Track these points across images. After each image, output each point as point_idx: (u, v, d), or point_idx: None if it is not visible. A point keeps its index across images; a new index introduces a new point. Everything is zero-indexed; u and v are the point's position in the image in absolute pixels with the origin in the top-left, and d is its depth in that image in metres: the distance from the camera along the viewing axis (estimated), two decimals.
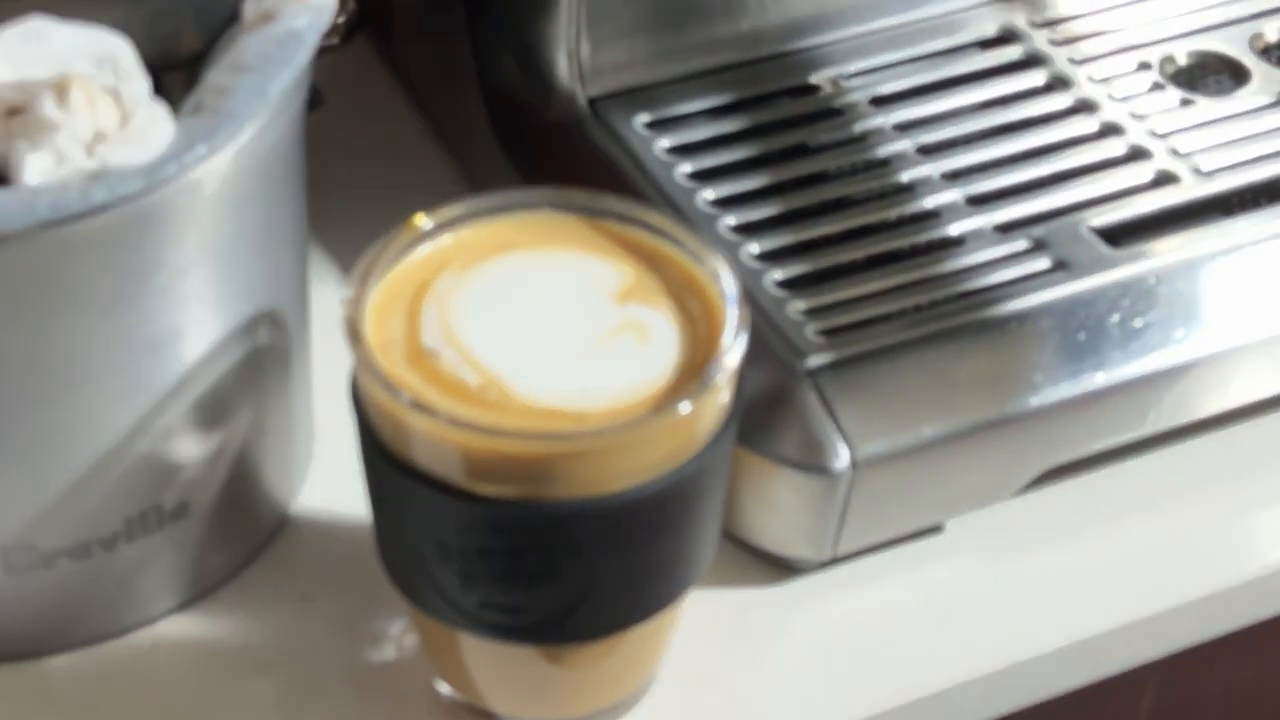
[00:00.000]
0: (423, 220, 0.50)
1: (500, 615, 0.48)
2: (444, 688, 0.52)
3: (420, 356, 0.47)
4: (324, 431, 0.60)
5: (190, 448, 0.52)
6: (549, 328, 0.48)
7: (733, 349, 0.47)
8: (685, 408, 0.45)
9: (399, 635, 0.55)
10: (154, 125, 0.46)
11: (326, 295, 0.63)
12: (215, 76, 0.48)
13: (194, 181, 0.47)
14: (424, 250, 0.50)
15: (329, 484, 0.59)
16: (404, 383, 0.46)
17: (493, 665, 0.51)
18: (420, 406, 0.45)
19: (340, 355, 0.56)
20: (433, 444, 0.45)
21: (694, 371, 0.47)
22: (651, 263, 0.50)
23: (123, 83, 0.47)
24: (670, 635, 0.53)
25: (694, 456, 0.47)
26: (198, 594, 0.55)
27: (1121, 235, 0.60)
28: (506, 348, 0.47)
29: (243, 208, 0.49)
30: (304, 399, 0.58)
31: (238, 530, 0.56)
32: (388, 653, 0.54)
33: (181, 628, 0.55)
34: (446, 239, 0.50)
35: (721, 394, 0.47)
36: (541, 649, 0.50)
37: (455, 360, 0.47)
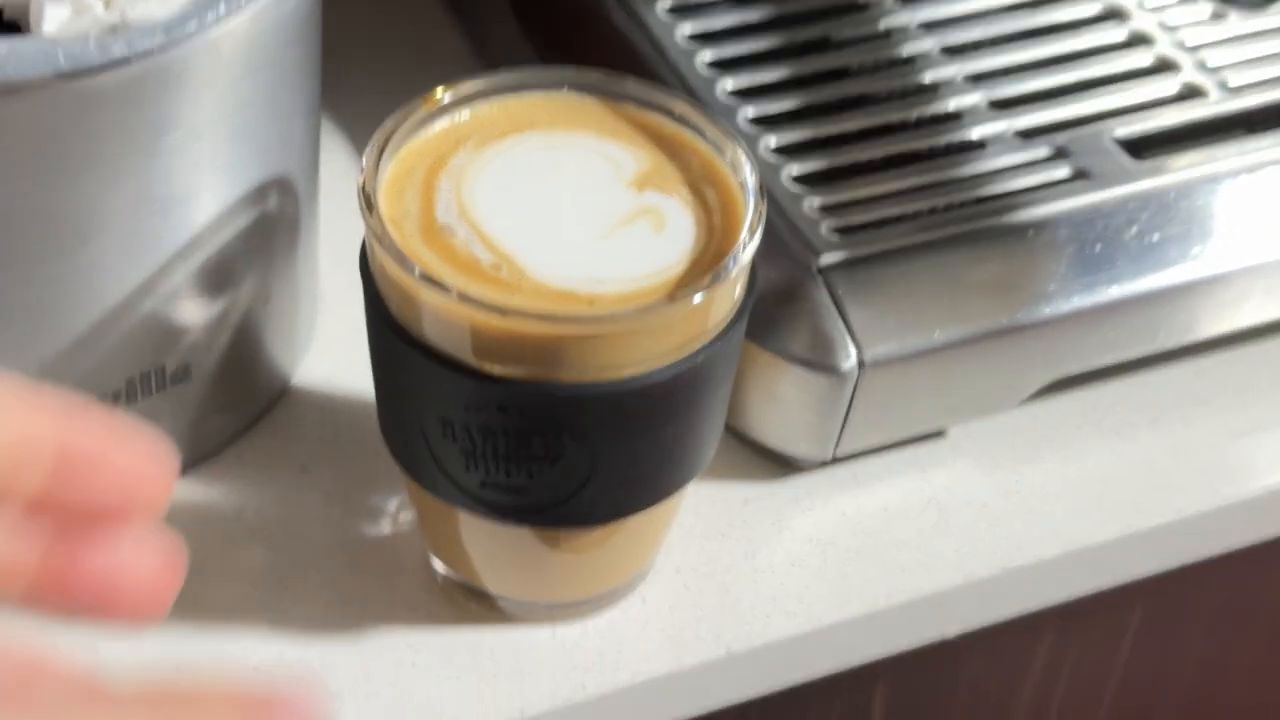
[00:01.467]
0: (441, 94, 0.49)
1: (501, 495, 0.48)
2: (439, 565, 0.52)
3: (434, 232, 0.46)
4: (329, 304, 0.60)
5: (195, 311, 0.52)
6: (564, 210, 0.48)
7: (749, 244, 0.46)
8: (698, 298, 0.45)
9: (395, 511, 0.55)
10: None
11: (336, 167, 0.63)
12: None
13: (212, 41, 0.46)
14: (441, 125, 0.49)
15: (332, 356, 0.59)
16: (417, 257, 0.45)
17: (489, 546, 0.50)
18: (432, 281, 0.44)
19: (348, 228, 0.55)
20: (442, 319, 0.45)
21: (708, 261, 0.46)
22: (671, 150, 0.49)
23: None
24: (668, 526, 0.53)
25: (702, 347, 0.46)
26: (195, 458, 0.55)
27: (1144, 147, 0.59)
28: (521, 228, 0.47)
29: (259, 71, 0.49)
30: (310, 269, 0.57)
31: (238, 396, 0.55)
32: (383, 528, 0.54)
33: (177, 492, 0.55)
34: (464, 114, 0.49)
35: (735, 287, 0.47)
36: (539, 532, 0.49)
37: (469, 237, 0.46)
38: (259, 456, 0.56)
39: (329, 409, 0.58)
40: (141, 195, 0.48)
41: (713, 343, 0.47)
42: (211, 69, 0.46)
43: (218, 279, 0.52)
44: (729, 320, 0.47)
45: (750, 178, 0.48)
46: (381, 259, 0.46)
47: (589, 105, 0.50)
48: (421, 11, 0.72)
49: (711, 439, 0.50)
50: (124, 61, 0.44)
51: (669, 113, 0.50)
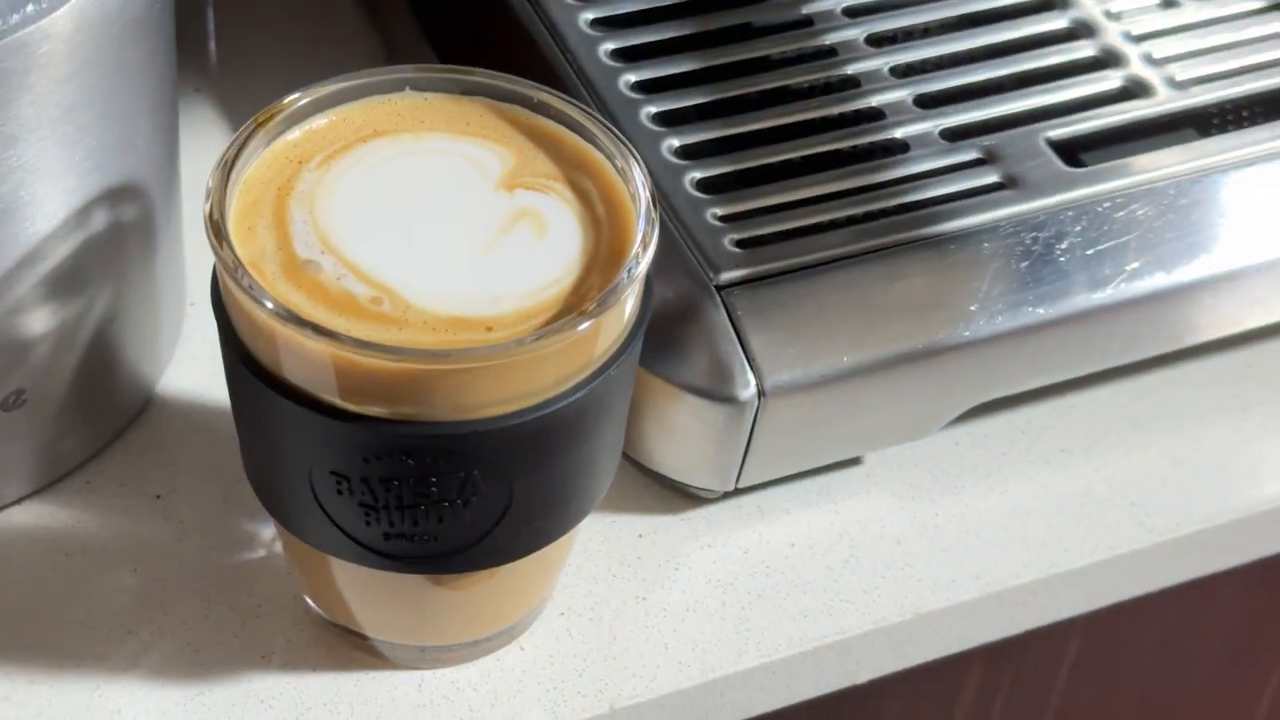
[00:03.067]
0: (269, 114, 0.44)
1: (407, 546, 0.43)
2: (312, 605, 0.48)
3: (298, 270, 0.41)
4: (197, 305, 0.55)
5: (30, 332, 0.47)
6: (434, 224, 0.43)
7: (644, 258, 0.42)
8: (611, 312, 0.41)
9: (265, 541, 0.50)
10: None
11: (218, 151, 0.58)
12: None
13: (23, 42, 0.41)
14: (277, 146, 0.44)
15: (199, 367, 0.55)
16: (286, 301, 0.40)
17: (368, 588, 0.46)
18: (323, 330, 0.39)
19: None
20: (325, 366, 0.40)
21: (602, 262, 0.42)
22: (537, 142, 0.44)
23: None
24: (559, 566, 0.48)
25: (610, 360, 0.42)
26: (43, 483, 0.51)
27: (1082, 150, 0.54)
28: (393, 252, 0.42)
29: (86, 71, 0.44)
30: (172, 274, 0.53)
31: (89, 417, 0.51)
32: (243, 562, 0.50)
33: (21, 519, 0.50)
34: (295, 134, 0.44)
35: (635, 294, 0.42)
36: (431, 576, 0.45)
37: (338, 271, 0.41)
38: (111, 482, 0.52)
39: (192, 428, 0.53)
40: None
41: (618, 355, 0.43)
42: (24, 73, 0.42)
43: (55, 296, 0.47)
44: (630, 330, 0.43)
45: (633, 166, 0.43)
46: (244, 304, 0.41)
47: (436, 104, 0.45)
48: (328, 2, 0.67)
49: (615, 457, 0.46)
50: None
51: (527, 103, 0.45)
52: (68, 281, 0.47)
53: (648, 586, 0.50)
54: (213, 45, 0.65)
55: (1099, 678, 0.61)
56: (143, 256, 0.50)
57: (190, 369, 0.55)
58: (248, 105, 0.60)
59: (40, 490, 0.51)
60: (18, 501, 0.51)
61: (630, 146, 0.44)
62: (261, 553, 0.50)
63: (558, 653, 0.49)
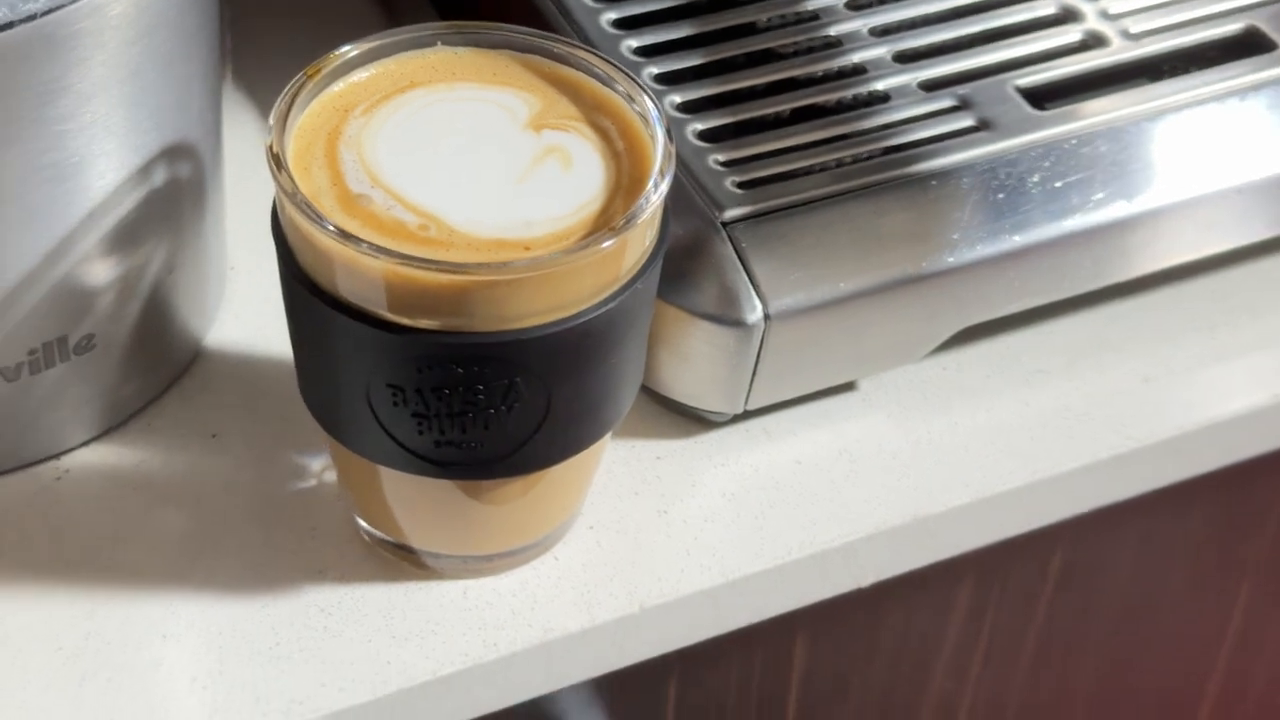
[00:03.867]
0: (318, 67, 0.48)
1: (455, 452, 0.47)
2: (363, 523, 0.52)
3: (352, 202, 0.46)
4: (237, 272, 0.60)
5: (99, 280, 0.51)
6: (470, 162, 0.48)
7: (663, 182, 0.46)
8: (637, 223, 0.45)
9: (308, 473, 0.55)
10: None
11: (239, 132, 0.63)
12: None
13: (98, 4, 0.46)
14: (324, 97, 0.49)
15: (241, 322, 0.59)
16: (345, 228, 0.45)
17: (415, 502, 0.50)
18: (381, 249, 0.44)
19: (256, 194, 0.55)
20: (381, 283, 0.44)
21: (626, 189, 0.47)
22: (559, 88, 0.49)
23: None
24: (591, 476, 0.53)
25: (636, 276, 0.47)
26: (105, 426, 0.55)
27: (1047, 97, 0.59)
28: (436, 185, 0.47)
29: (151, 33, 0.48)
30: (218, 236, 0.57)
31: (147, 364, 0.55)
32: (296, 490, 0.54)
33: (90, 459, 0.55)
34: (340, 85, 0.49)
35: (656, 217, 0.47)
36: (466, 485, 0.49)
37: (388, 202, 0.46)
38: (170, 423, 0.56)
39: (240, 373, 0.58)
40: (33, 164, 0.47)
41: (644, 270, 0.47)
42: (98, 33, 0.46)
43: (120, 247, 0.51)
44: (653, 248, 0.48)
45: (648, 104, 0.48)
46: (304, 227, 0.45)
47: (466, 57, 0.50)
48: None
49: (640, 370, 0.51)
50: (6, 26, 0.44)
51: (548, 54, 0.50)
52: (131, 232, 0.51)
53: (667, 501, 0.55)
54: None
55: (1081, 590, 0.66)
56: (195, 213, 0.54)
57: (234, 326, 0.59)
58: (265, 82, 0.65)
59: (106, 433, 0.55)
60: (86, 444, 0.55)
61: (645, 87, 0.49)
62: (313, 482, 0.54)
63: (589, 561, 0.53)
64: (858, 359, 0.56)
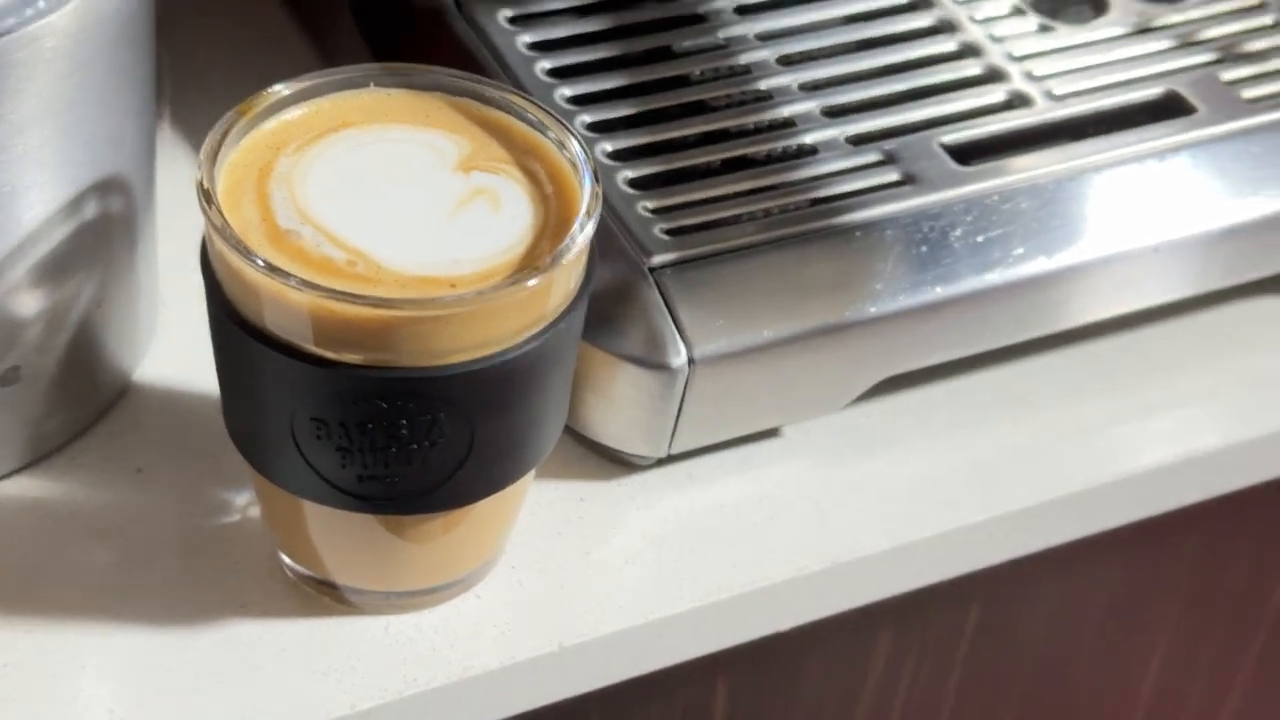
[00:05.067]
0: (250, 105, 0.49)
1: (378, 487, 0.48)
2: (286, 559, 0.53)
3: (280, 237, 0.47)
4: (168, 306, 0.60)
5: (26, 312, 0.52)
6: (399, 201, 0.48)
7: (589, 223, 0.47)
8: (565, 260, 0.46)
9: (233, 508, 0.55)
10: None
11: (175, 170, 0.63)
12: None
13: (33, 35, 0.46)
14: (256, 134, 0.49)
15: (171, 357, 0.59)
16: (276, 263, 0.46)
17: (338, 537, 0.51)
18: (308, 283, 0.44)
19: (185, 231, 0.56)
20: (305, 316, 0.45)
21: (553, 231, 0.48)
22: (490, 131, 0.50)
23: None
24: (512, 516, 0.53)
25: (563, 313, 0.48)
26: (31, 459, 0.55)
27: (972, 154, 0.60)
28: (365, 222, 0.47)
29: (85, 67, 0.49)
30: (149, 269, 0.58)
31: (74, 397, 0.55)
32: (221, 525, 0.55)
33: (12, 491, 0.55)
34: (272, 123, 0.49)
35: (583, 255, 0.48)
36: (389, 521, 0.50)
37: (316, 238, 0.47)
38: (95, 458, 0.56)
39: (168, 409, 0.58)
40: None
41: (569, 310, 0.48)
42: (32, 64, 0.47)
43: (49, 279, 0.52)
44: (578, 288, 0.48)
45: (576, 148, 0.49)
46: (232, 261, 0.46)
47: (399, 99, 0.51)
48: (263, 17, 0.72)
49: (564, 410, 0.51)
50: None
51: (480, 97, 0.51)
52: (61, 265, 0.52)
53: (589, 543, 0.55)
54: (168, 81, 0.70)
55: (998, 642, 0.67)
56: (126, 247, 0.55)
57: (164, 362, 0.59)
58: (202, 121, 0.65)
59: (29, 465, 0.55)
60: (7, 476, 0.55)
61: (574, 132, 0.50)
62: (237, 517, 0.55)
63: (511, 600, 0.53)
64: (781, 406, 0.57)
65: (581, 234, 0.47)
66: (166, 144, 0.66)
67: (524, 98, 0.51)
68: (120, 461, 0.56)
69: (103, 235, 0.53)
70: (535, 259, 0.47)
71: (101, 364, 0.56)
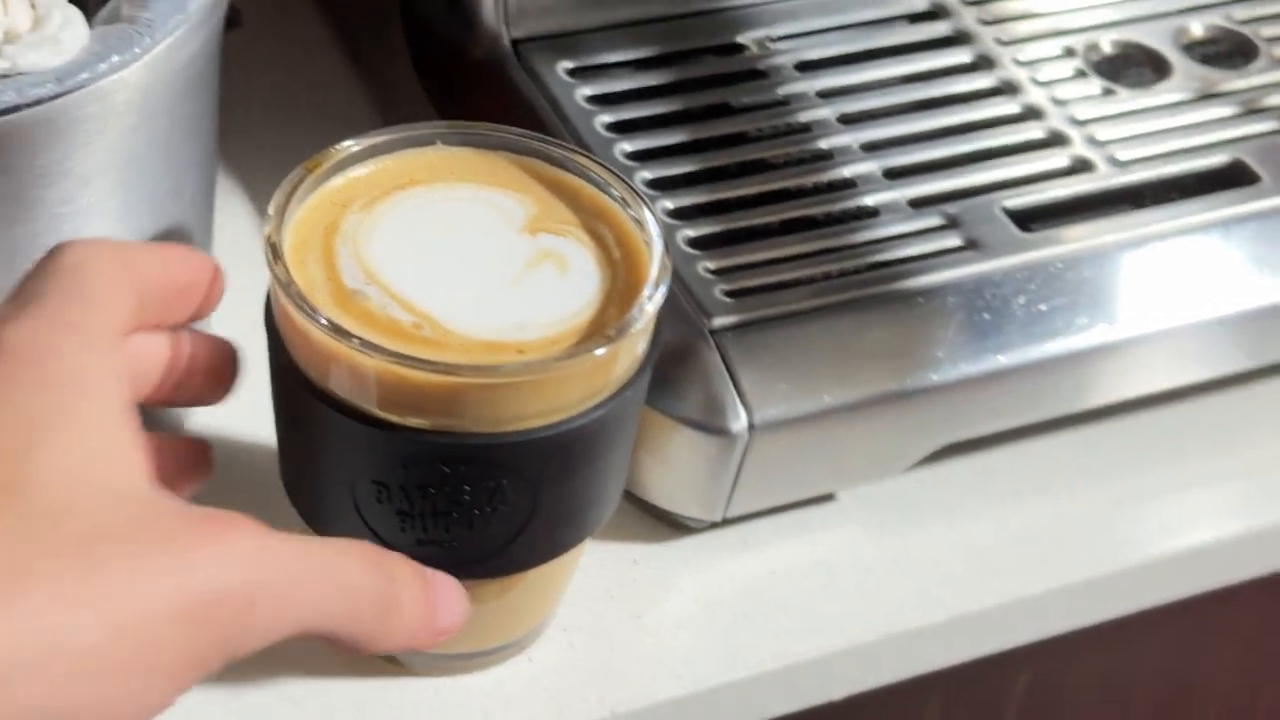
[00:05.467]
0: (318, 161, 0.49)
1: (437, 551, 0.47)
2: None
3: (347, 298, 0.46)
4: None
5: None
6: (465, 263, 0.48)
7: (657, 292, 0.46)
8: (631, 332, 0.45)
9: None
10: (67, 29, 0.45)
11: (230, 223, 0.63)
12: None
13: (104, 90, 0.46)
14: (322, 192, 0.49)
15: (224, 407, 0.58)
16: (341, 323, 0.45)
17: None
18: (374, 346, 0.44)
19: (243, 284, 0.55)
20: (371, 380, 0.44)
21: (620, 295, 0.47)
22: (557, 192, 0.50)
23: None
24: (567, 580, 0.53)
25: (628, 382, 0.47)
26: None
27: (1034, 218, 0.60)
28: (431, 284, 0.47)
29: (152, 121, 0.48)
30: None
31: None
32: None
33: None
34: (340, 180, 0.49)
35: (649, 326, 0.47)
36: None
37: (383, 300, 0.46)
38: None
39: (219, 460, 0.57)
40: (28, 245, 0.47)
41: (634, 379, 0.47)
42: (102, 118, 0.46)
43: None
44: (644, 357, 0.48)
45: (646, 213, 0.48)
46: (298, 320, 0.45)
47: (465, 157, 0.50)
48: (326, 67, 0.72)
49: (624, 477, 0.51)
50: (12, 109, 0.44)
51: (547, 157, 0.50)
52: None
53: (642, 606, 0.55)
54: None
55: (1046, 713, 0.66)
56: None
57: (217, 410, 0.58)
58: (258, 172, 0.65)
59: None
60: None
61: (643, 196, 0.49)
62: None
63: (562, 664, 0.53)
64: (838, 471, 0.57)
65: (650, 303, 0.46)
66: (223, 192, 0.65)
67: (590, 158, 0.50)
68: None
69: None
70: (602, 325, 0.46)
71: (153, 412, 0.55)
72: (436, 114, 0.64)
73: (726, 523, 0.57)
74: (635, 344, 0.47)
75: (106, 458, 0.39)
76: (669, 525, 0.57)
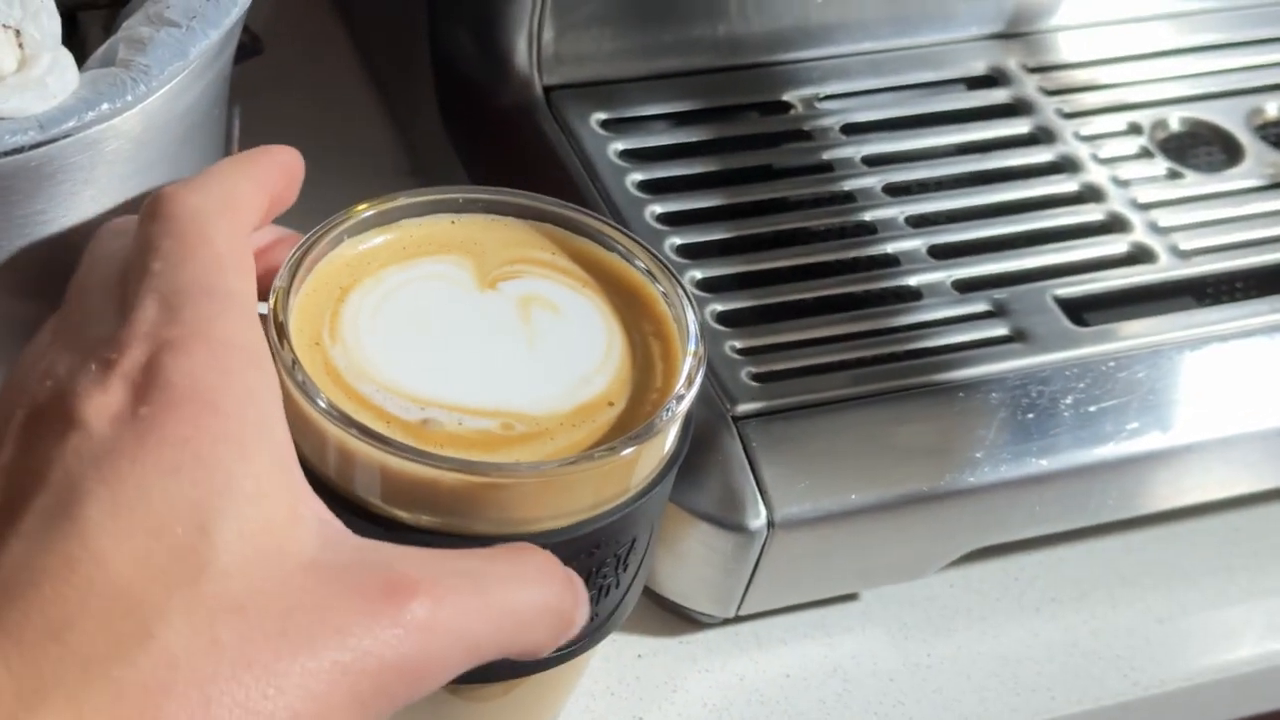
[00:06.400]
0: (325, 231, 0.45)
1: None
2: None
3: (350, 382, 0.42)
4: None
5: None
6: (482, 344, 0.43)
7: (689, 392, 0.42)
8: (630, 453, 0.41)
9: None
10: (56, 73, 0.42)
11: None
12: (134, 25, 0.44)
13: (92, 139, 0.42)
14: (329, 265, 0.45)
15: None
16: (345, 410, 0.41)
17: None
18: (371, 434, 0.40)
19: None
20: (369, 469, 0.41)
21: (650, 389, 0.43)
22: (584, 265, 0.46)
23: (29, 20, 0.43)
24: (578, 677, 0.49)
25: (660, 472, 0.43)
26: None
27: (1087, 309, 0.56)
28: (442, 367, 0.42)
29: (148, 170, 0.45)
30: None
31: None
32: None
33: None
34: (348, 251, 0.45)
35: (676, 427, 0.43)
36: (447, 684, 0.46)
37: (388, 385, 0.42)
38: None
39: None
40: (7, 291, 0.44)
41: (658, 479, 0.43)
42: (90, 168, 0.43)
43: None
44: (670, 456, 0.44)
45: (688, 313, 0.44)
46: (299, 402, 0.41)
47: (484, 225, 0.46)
48: (349, 97, 0.69)
49: (645, 578, 0.47)
50: None
51: (575, 227, 0.46)
52: None
53: (645, 706, 0.51)
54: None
55: None
56: None
57: None
58: (278, 218, 0.62)
59: None
60: None
61: (684, 286, 0.45)
62: None
63: None
64: (862, 572, 0.53)
65: (681, 404, 0.42)
66: None
67: (632, 238, 0.45)
68: None
69: None
70: (627, 423, 0.42)
71: None
72: (459, 157, 0.61)
73: (740, 619, 0.53)
74: (661, 444, 0.43)
75: (282, 523, 0.36)
76: (678, 618, 0.53)
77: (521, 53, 0.58)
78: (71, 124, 0.41)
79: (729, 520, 0.50)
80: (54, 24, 0.44)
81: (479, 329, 0.44)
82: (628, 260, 0.46)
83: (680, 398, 0.42)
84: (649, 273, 0.45)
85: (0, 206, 0.42)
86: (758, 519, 0.50)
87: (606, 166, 0.57)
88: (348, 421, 0.41)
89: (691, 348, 0.43)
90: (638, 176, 0.57)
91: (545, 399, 0.43)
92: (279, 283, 0.43)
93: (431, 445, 0.41)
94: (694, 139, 0.59)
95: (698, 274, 0.55)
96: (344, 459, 0.41)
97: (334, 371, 0.42)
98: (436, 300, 0.45)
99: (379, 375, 0.42)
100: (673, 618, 0.53)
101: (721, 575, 0.51)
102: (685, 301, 0.44)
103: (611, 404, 0.43)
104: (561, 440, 0.42)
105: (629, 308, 0.45)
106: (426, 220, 0.46)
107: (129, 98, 0.42)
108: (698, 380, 0.43)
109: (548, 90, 0.59)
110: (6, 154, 0.41)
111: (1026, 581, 0.56)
